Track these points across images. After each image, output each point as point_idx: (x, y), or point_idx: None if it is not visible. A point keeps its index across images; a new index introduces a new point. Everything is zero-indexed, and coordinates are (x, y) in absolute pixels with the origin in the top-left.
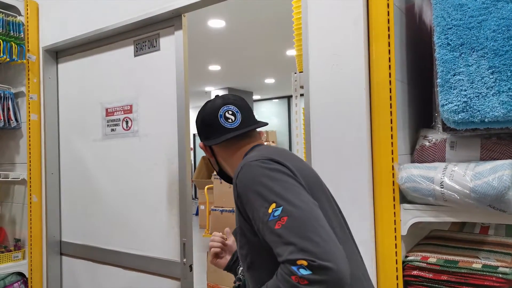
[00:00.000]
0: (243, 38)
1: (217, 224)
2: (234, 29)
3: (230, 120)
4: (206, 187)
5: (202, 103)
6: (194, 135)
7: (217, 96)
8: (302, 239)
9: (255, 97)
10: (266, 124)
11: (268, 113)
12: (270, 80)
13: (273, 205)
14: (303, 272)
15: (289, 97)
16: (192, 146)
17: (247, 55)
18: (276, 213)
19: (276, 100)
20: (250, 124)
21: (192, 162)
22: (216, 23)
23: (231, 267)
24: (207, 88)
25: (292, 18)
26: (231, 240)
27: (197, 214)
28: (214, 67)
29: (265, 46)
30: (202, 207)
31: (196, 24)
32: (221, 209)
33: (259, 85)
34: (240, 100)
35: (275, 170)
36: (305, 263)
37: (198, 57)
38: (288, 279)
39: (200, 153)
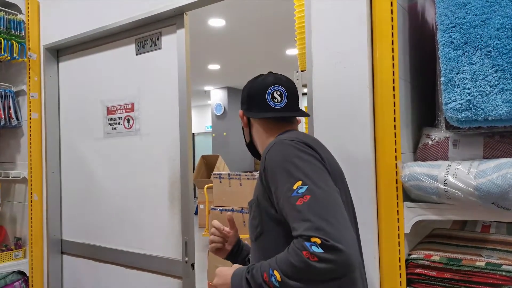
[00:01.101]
0: (243, 37)
1: None
2: (234, 28)
3: (276, 100)
4: (206, 186)
5: (201, 102)
6: (193, 134)
7: (270, 73)
8: (320, 218)
9: None
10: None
11: None
12: None
13: (299, 183)
14: (315, 249)
15: None
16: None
17: (246, 54)
18: (300, 191)
19: None
20: (294, 109)
21: (192, 161)
22: (216, 22)
23: (234, 254)
24: (206, 87)
25: (294, 17)
26: (233, 230)
27: (196, 213)
28: (214, 66)
29: (264, 45)
30: (201, 206)
31: (196, 23)
32: (220, 208)
33: None
34: (291, 84)
35: (306, 152)
36: (318, 241)
37: (198, 56)
38: (299, 253)
39: (199, 152)
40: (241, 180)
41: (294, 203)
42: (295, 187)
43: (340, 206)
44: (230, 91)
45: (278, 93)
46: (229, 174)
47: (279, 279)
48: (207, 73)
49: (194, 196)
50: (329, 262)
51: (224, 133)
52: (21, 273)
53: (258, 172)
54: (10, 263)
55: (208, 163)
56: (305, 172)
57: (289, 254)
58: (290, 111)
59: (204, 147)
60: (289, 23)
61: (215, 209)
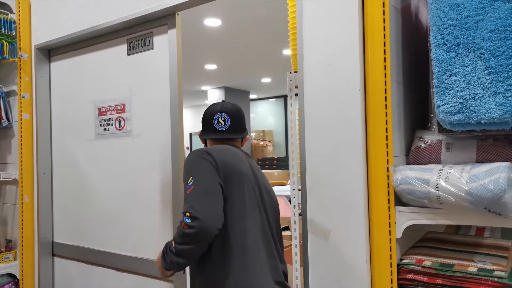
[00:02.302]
0: (240, 37)
1: None
2: (231, 28)
3: (220, 124)
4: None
5: (198, 102)
6: (190, 134)
7: (221, 102)
8: (195, 200)
9: (251, 96)
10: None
11: (264, 112)
12: (266, 80)
13: (191, 178)
14: (186, 220)
15: (285, 97)
16: (188, 145)
17: (243, 54)
18: (190, 183)
19: (273, 99)
20: (234, 131)
21: None
22: (212, 22)
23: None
24: (204, 87)
25: (288, 17)
26: None
27: None
28: (211, 66)
29: (261, 45)
30: None
31: (192, 23)
32: None
33: (256, 84)
34: (235, 112)
35: (201, 157)
36: (188, 214)
37: (195, 56)
38: (179, 225)
39: None
40: None
41: (185, 192)
42: (189, 181)
43: (211, 192)
44: (227, 91)
45: (222, 118)
46: None
47: (174, 245)
48: (204, 73)
49: None
50: (192, 228)
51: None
52: (12, 275)
53: None
54: (0, 265)
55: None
56: (196, 170)
57: (177, 227)
58: (232, 133)
59: (201, 147)
60: (286, 23)
61: None
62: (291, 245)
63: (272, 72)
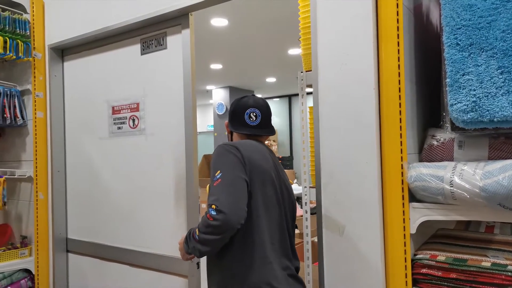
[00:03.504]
0: (246, 37)
1: None
2: (237, 28)
3: (251, 119)
4: (208, 185)
5: (203, 102)
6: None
7: (252, 96)
8: (220, 194)
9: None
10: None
11: None
12: (271, 79)
13: (218, 171)
14: (212, 212)
15: (290, 96)
16: None
17: (249, 54)
18: (218, 176)
19: (277, 99)
20: (264, 127)
21: None
22: (219, 21)
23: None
24: (208, 87)
25: (298, 17)
26: None
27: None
28: (216, 66)
29: (267, 45)
30: (203, 205)
31: (199, 23)
32: None
33: (260, 84)
34: (266, 108)
35: (229, 151)
36: (214, 207)
37: (200, 55)
38: (204, 216)
39: (201, 151)
40: None
41: (212, 184)
42: (217, 174)
43: (237, 187)
44: (232, 90)
45: (254, 114)
46: None
47: (198, 234)
48: (209, 72)
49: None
50: (216, 220)
51: (226, 133)
52: (27, 271)
53: None
54: (16, 261)
55: (210, 162)
56: (224, 164)
57: (202, 217)
58: (262, 129)
59: (206, 146)
60: (292, 23)
61: None
62: (300, 242)
63: (277, 72)
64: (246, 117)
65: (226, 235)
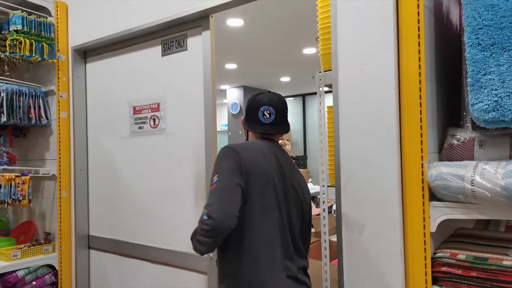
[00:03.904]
0: (261, 36)
1: None
2: (252, 28)
3: (265, 117)
4: None
5: (218, 102)
6: None
7: (268, 92)
8: (214, 199)
9: None
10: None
11: None
12: (285, 79)
13: (216, 176)
14: (204, 217)
15: (304, 95)
16: None
17: (264, 53)
18: (214, 180)
19: (291, 98)
20: (279, 124)
21: None
22: (235, 22)
23: None
24: (223, 86)
25: (314, 17)
26: None
27: None
28: (231, 66)
29: (282, 45)
30: None
31: (215, 23)
32: None
33: (274, 83)
34: (280, 105)
35: (229, 155)
36: (206, 211)
37: (216, 56)
38: (199, 220)
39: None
40: None
41: (210, 188)
42: (214, 178)
43: (230, 193)
44: (246, 90)
45: (268, 112)
46: None
47: (197, 234)
48: (223, 72)
49: None
50: (207, 225)
51: (240, 132)
52: (51, 266)
53: None
54: (41, 257)
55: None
56: (221, 169)
57: (198, 222)
58: (276, 126)
59: (220, 146)
60: (307, 23)
61: None
62: (317, 241)
63: (291, 71)
64: (260, 114)
65: (216, 239)
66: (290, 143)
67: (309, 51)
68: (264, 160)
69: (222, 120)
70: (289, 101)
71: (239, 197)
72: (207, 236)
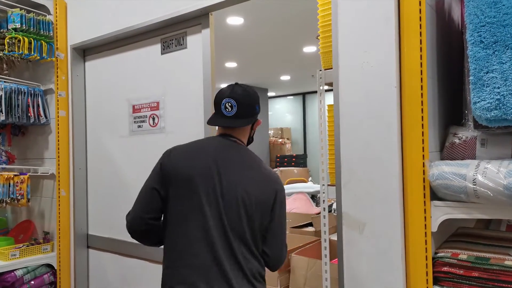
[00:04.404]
0: (261, 35)
1: None
2: (252, 26)
3: (227, 110)
4: None
5: None
6: None
7: (233, 85)
8: (134, 203)
9: (270, 94)
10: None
11: (282, 110)
12: (285, 77)
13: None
14: (127, 217)
15: (304, 94)
16: None
17: (264, 52)
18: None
19: (291, 97)
20: (241, 117)
21: None
22: (235, 20)
23: None
24: (223, 85)
25: (314, 15)
26: None
27: None
28: (231, 64)
29: (282, 43)
30: None
31: (214, 22)
32: None
33: (275, 82)
34: (244, 97)
35: (160, 158)
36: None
37: (216, 54)
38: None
39: None
40: None
41: None
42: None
43: (143, 197)
44: None
45: (230, 104)
46: None
47: None
48: (224, 70)
49: None
50: (126, 225)
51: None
52: (50, 266)
53: (274, 170)
54: (39, 256)
55: None
56: (151, 172)
57: None
58: (238, 119)
59: None
60: (307, 21)
61: None
62: (317, 240)
63: (291, 70)
64: (222, 107)
65: (134, 237)
66: (290, 142)
67: (309, 49)
68: (195, 161)
69: None
70: (289, 100)
71: (154, 200)
72: (130, 235)
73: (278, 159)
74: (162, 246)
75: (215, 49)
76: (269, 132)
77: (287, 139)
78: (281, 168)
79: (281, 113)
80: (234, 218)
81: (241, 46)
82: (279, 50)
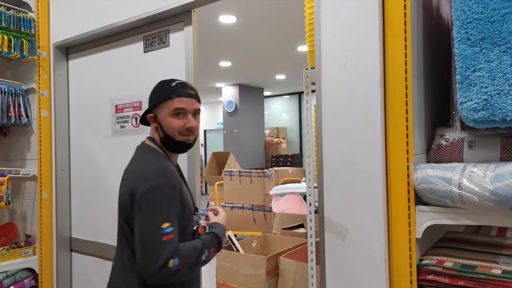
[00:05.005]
0: (254, 34)
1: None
2: (245, 25)
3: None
4: (216, 183)
5: (213, 99)
6: (204, 131)
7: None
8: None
9: (265, 93)
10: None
11: (278, 109)
12: (281, 76)
13: (167, 224)
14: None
15: (300, 93)
16: (202, 142)
17: (258, 51)
18: (168, 230)
19: (287, 96)
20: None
21: (203, 158)
22: (227, 19)
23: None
24: (218, 84)
25: (304, 13)
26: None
27: None
28: (225, 63)
29: (276, 42)
30: (212, 203)
31: (207, 20)
32: (231, 205)
33: (270, 81)
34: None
35: (170, 183)
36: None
37: (209, 53)
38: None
39: (211, 149)
40: (252, 177)
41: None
42: (164, 226)
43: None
44: (242, 88)
45: None
46: (239, 171)
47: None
48: (218, 70)
49: (206, 193)
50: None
51: (236, 130)
52: (31, 270)
53: (269, 169)
54: (20, 260)
55: (219, 160)
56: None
57: None
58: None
59: (215, 144)
60: (301, 20)
61: (225, 206)
62: (304, 243)
63: (286, 69)
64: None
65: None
66: (286, 141)
67: (304, 48)
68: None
69: (218, 118)
70: (285, 99)
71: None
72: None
73: (273, 159)
74: None
75: (208, 47)
76: (265, 131)
77: (283, 138)
78: (276, 168)
79: (277, 112)
80: (122, 220)
81: (235, 45)
82: (273, 49)
